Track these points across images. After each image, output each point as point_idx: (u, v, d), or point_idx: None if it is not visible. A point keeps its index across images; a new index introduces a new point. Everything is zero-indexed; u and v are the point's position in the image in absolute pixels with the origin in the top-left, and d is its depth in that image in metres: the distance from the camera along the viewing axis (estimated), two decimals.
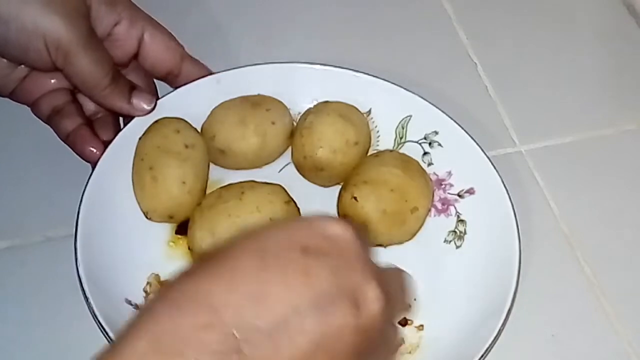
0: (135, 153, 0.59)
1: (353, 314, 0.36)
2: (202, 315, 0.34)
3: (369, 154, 0.63)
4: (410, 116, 0.64)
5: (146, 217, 0.58)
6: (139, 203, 0.58)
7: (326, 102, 0.63)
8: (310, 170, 0.61)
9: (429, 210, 0.61)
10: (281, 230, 0.38)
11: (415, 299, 0.58)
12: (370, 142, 0.63)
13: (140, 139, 0.59)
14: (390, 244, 0.59)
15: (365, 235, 0.39)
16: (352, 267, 0.37)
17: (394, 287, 0.41)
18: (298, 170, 0.62)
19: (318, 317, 0.35)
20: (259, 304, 0.34)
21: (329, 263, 0.36)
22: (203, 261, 0.37)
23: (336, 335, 0.35)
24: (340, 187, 0.61)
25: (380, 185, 0.58)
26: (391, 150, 0.63)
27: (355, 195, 0.58)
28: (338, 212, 0.59)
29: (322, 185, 0.62)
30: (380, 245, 0.59)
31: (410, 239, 0.60)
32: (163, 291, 0.37)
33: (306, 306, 0.35)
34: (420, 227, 0.60)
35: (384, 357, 0.41)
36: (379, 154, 0.62)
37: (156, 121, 0.60)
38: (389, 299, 0.38)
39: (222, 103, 0.62)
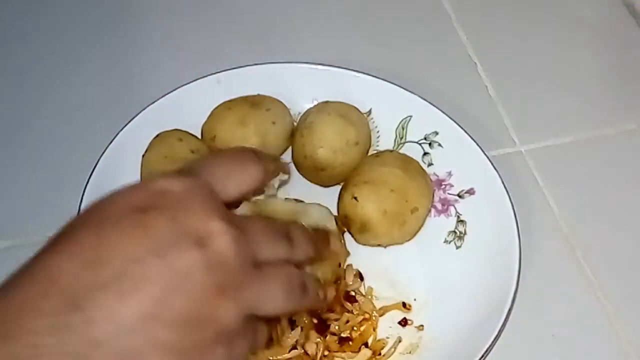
0: (143, 168, 0.59)
1: (198, 252, 0.36)
2: (38, 286, 0.35)
3: (369, 154, 0.63)
4: (411, 116, 0.64)
5: None
6: None
7: (326, 102, 0.63)
8: (310, 170, 0.61)
9: (429, 210, 0.61)
10: (117, 196, 0.38)
11: (415, 299, 0.58)
12: (370, 142, 0.63)
13: (144, 155, 0.60)
14: (391, 244, 0.59)
15: (208, 187, 0.39)
16: (190, 211, 0.37)
17: (261, 228, 0.41)
18: (298, 170, 0.62)
19: (160, 263, 0.36)
20: (96, 265, 0.35)
21: (165, 213, 0.37)
22: (49, 240, 0.38)
23: (185, 275, 0.36)
24: (340, 187, 0.61)
25: (380, 185, 0.58)
26: (391, 151, 0.63)
27: (355, 195, 0.58)
28: (338, 212, 0.59)
29: (322, 185, 0.62)
30: (380, 245, 0.59)
31: (410, 239, 0.60)
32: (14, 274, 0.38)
33: (145, 255, 0.36)
34: (420, 227, 0.60)
35: (272, 298, 0.41)
36: (379, 154, 0.62)
37: (156, 136, 0.60)
38: (249, 238, 0.38)
39: (222, 103, 0.62)
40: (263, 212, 0.55)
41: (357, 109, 0.63)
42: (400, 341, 0.56)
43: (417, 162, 0.61)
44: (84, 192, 0.57)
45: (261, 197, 0.54)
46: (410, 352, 0.55)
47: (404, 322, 0.57)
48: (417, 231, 0.60)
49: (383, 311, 0.57)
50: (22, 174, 0.64)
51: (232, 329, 0.38)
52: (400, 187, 0.58)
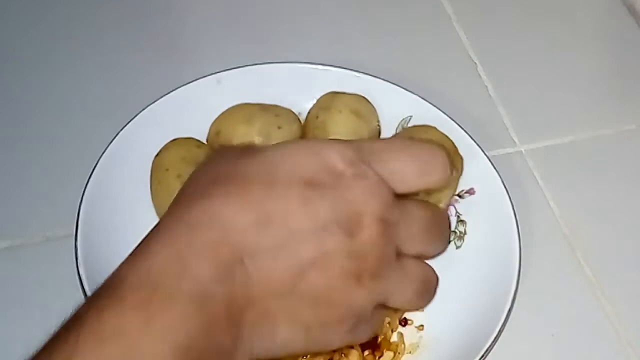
0: (155, 167, 0.59)
1: (345, 240, 0.39)
2: (214, 233, 0.38)
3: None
4: (411, 116, 0.64)
5: None
6: (163, 213, 0.57)
7: (334, 93, 0.63)
8: None
9: (452, 197, 0.60)
10: (290, 159, 0.41)
11: None
12: (380, 130, 0.63)
13: (157, 155, 0.60)
14: None
15: (373, 176, 0.42)
16: (351, 198, 0.40)
17: (415, 222, 0.44)
18: None
19: (313, 241, 0.39)
20: (262, 228, 0.39)
21: (329, 195, 0.40)
22: (214, 178, 0.41)
23: (327, 257, 0.39)
24: None
25: None
26: (426, 129, 0.61)
27: None
28: None
29: None
30: None
31: None
32: (176, 208, 0.41)
33: (303, 232, 0.39)
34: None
35: (403, 293, 0.44)
36: (411, 132, 0.61)
37: (172, 140, 0.60)
38: (397, 231, 0.41)
39: (235, 105, 0.62)
40: None
41: (366, 99, 0.63)
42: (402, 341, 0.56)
43: (451, 144, 0.60)
44: (84, 192, 0.57)
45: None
46: (410, 352, 0.55)
47: (404, 322, 0.57)
48: None
49: (400, 313, 0.57)
50: (22, 174, 0.64)
51: (360, 315, 0.41)
52: None
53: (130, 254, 0.40)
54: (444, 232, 0.49)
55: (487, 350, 0.52)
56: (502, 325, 0.53)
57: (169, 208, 0.43)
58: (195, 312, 0.37)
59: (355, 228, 0.40)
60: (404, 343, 0.55)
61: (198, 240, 0.38)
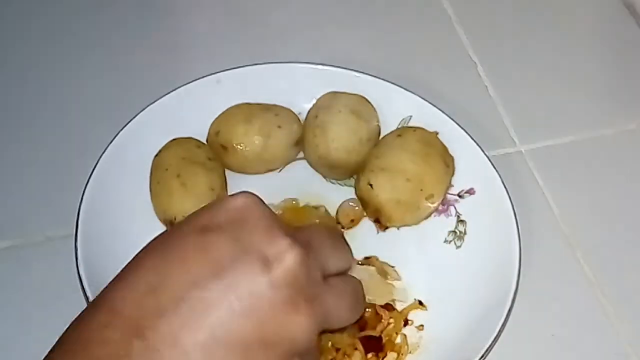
0: (155, 167, 0.59)
1: (263, 270, 0.35)
2: (103, 316, 0.36)
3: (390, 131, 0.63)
4: (411, 116, 0.64)
5: (169, 226, 0.58)
6: (163, 212, 0.58)
7: (334, 93, 0.63)
8: (324, 168, 0.62)
9: (446, 192, 0.61)
10: (186, 219, 0.38)
11: (415, 299, 0.58)
12: (379, 131, 0.63)
13: (157, 155, 0.60)
14: (403, 226, 0.60)
15: (263, 205, 0.39)
16: (254, 230, 0.37)
17: (321, 240, 0.41)
18: (311, 166, 0.63)
19: (222, 286, 0.35)
20: (159, 292, 0.35)
21: (228, 234, 0.36)
22: (131, 262, 0.38)
23: (248, 298, 0.35)
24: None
25: (397, 174, 0.58)
26: (415, 129, 0.62)
27: (371, 182, 0.59)
28: (356, 191, 0.61)
29: (336, 179, 0.63)
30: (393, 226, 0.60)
31: (423, 221, 0.61)
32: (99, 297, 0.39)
33: (207, 278, 0.35)
34: (435, 209, 0.60)
35: (342, 310, 0.41)
36: (401, 132, 0.62)
37: (173, 140, 0.60)
38: (314, 252, 0.38)
39: (235, 105, 0.62)
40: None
41: (365, 99, 0.63)
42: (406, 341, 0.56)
43: (440, 143, 0.61)
44: (84, 192, 0.57)
45: None
46: (410, 352, 0.55)
47: (404, 322, 0.57)
48: (432, 213, 0.60)
49: (404, 315, 0.57)
50: (22, 174, 0.64)
51: (307, 347, 0.37)
52: (416, 175, 0.58)
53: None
54: (345, 243, 0.45)
55: (487, 350, 0.52)
56: (502, 325, 0.53)
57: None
58: None
59: (270, 258, 0.36)
60: (407, 344, 0.55)
61: (88, 326, 0.36)
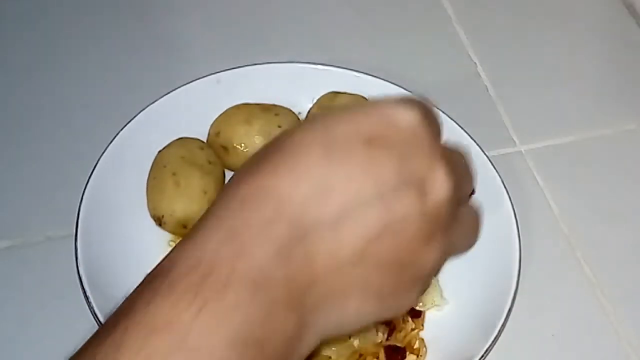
0: (155, 163, 0.60)
1: (418, 202, 0.36)
2: (268, 210, 0.35)
3: None
4: None
5: (159, 224, 0.58)
6: (153, 209, 0.58)
7: (334, 93, 0.63)
8: None
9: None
10: (347, 121, 0.37)
11: (433, 301, 0.58)
12: None
13: (160, 151, 0.60)
14: None
15: (433, 116, 0.39)
16: (418, 154, 0.37)
17: (461, 167, 0.41)
18: None
19: (381, 206, 0.35)
20: (323, 197, 0.35)
21: (394, 152, 0.36)
22: (268, 152, 0.37)
23: (400, 222, 0.36)
24: None
25: None
26: None
27: None
28: None
29: None
30: None
31: None
32: (231, 187, 0.37)
33: (369, 196, 0.35)
34: None
35: (464, 238, 0.42)
36: None
37: (179, 138, 0.61)
38: (458, 181, 0.38)
39: (235, 105, 0.62)
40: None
41: (365, 99, 0.63)
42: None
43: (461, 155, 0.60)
44: (84, 192, 0.57)
45: None
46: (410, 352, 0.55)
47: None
48: None
49: (423, 319, 0.57)
50: (22, 174, 0.64)
51: (430, 273, 0.39)
52: None
53: (184, 237, 0.36)
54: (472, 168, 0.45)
55: (487, 350, 0.52)
56: (502, 326, 0.53)
57: (225, 186, 0.39)
58: (253, 297, 0.33)
59: (426, 187, 0.36)
60: (425, 346, 0.55)
61: (253, 218, 0.35)
